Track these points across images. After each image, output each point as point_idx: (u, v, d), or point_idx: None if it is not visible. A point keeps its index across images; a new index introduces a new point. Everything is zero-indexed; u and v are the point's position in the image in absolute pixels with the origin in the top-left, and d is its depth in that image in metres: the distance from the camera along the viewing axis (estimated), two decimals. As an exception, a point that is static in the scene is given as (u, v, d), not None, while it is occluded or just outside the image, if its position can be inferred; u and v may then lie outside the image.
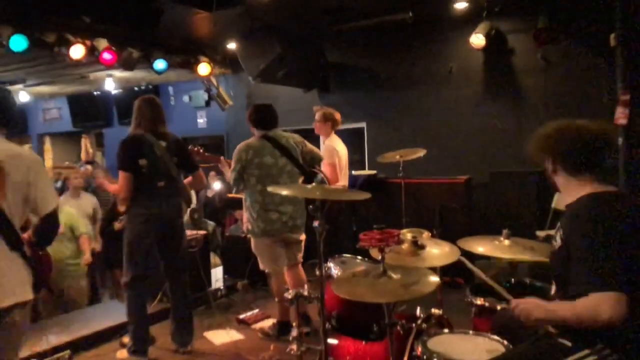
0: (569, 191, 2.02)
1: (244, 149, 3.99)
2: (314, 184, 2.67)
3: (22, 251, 2.34)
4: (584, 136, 1.97)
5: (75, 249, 5.12)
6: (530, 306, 1.94)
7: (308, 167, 4.20)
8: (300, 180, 4.13)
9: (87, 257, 5.15)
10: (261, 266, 4.16)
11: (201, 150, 4.28)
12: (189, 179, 4.02)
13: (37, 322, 4.49)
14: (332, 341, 2.62)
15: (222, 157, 4.28)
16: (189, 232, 5.17)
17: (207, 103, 8.63)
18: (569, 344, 1.86)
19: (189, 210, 5.34)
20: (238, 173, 3.97)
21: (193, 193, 6.15)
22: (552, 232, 4.01)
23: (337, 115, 4.94)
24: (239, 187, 4.05)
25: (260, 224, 3.96)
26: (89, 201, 5.71)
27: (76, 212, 5.24)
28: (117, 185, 3.75)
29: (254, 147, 3.99)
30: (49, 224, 2.48)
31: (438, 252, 2.73)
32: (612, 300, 1.70)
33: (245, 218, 4.06)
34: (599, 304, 1.72)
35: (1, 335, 2.29)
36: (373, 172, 6.15)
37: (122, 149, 3.69)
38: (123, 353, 3.83)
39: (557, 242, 1.99)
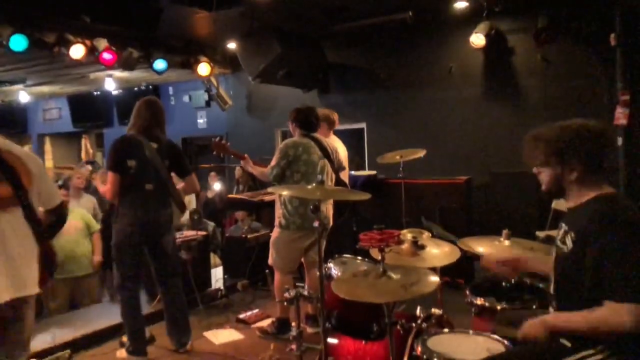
0: (579, 193, 1.95)
1: (292, 145, 4.01)
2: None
3: (44, 244, 2.53)
4: (600, 134, 1.93)
5: (90, 245, 5.14)
6: (534, 329, 1.94)
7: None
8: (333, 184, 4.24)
9: (98, 258, 5.17)
10: (270, 260, 4.15)
11: (227, 145, 4.33)
12: (182, 184, 3.99)
13: (40, 319, 4.50)
14: (332, 341, 2.62)
15: (246, 155, 4.29)
16: (188, 233, 5.19)
17: (207, 103, 8.64)
18: (568, 344, 1.86)
19: (188, 211, 5.34)
20: (281, 168, 3.98)
21: (193, 194, 6.15)
22: (552, 232, 4.01)
23: (334, 116, 4.92)
24: (279, 183, 4.02)
25: (297, 220, 3.96)
26: (89, 201, 5.71)
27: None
28: (105, 186, 3.74)
29: (303, 145, 4.03)
30: (58, 217, 2.68)
31: (438, 252, 2.73)
32: (633, 311, 1.69)
33: (279, 213, 4.08)
34: (619, 314, 1.71)
35: (18, 326, 2.45)
36: (373, 172, 6.15)
37: (112, 149, 3.67)
38: (123, 352, 3.83)
39: (568, 245, 1.92)
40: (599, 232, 1.80)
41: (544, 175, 2.01)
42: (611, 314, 1.73)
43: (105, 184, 3.82)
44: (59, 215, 2.68)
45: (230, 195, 6.44)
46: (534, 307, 2.59)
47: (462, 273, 4.93)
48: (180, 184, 3.98)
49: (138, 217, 3.65)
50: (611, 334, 1.75)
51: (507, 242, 2.76)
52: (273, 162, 4.02)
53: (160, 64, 6.04)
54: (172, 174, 3.91)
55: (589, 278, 1.81)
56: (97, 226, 5.20)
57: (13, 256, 2.38)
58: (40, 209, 2.61)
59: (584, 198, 1.93)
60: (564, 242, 1.96)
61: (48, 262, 2.56)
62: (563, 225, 2.01)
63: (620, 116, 4.87)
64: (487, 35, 5.69)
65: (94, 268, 5.18)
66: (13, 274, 2.37)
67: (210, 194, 7.41)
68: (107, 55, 5.39)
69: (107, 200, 5.36)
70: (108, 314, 4.57)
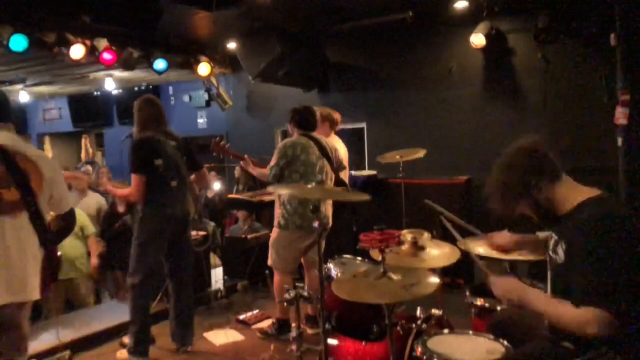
0: (562, 202, 1.94)
1: (290, 145, 4.03)
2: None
3: (49, 249, 2.50)
4: (530, 145, 1.97)
5: (84, 248, 5.14)
6: (509, 286, 1.96)
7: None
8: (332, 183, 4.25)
9: (94, 261, 5.15)
10: (270, 261, 4.16)
11: (227, 146, 4.36)
12: (193, 177, 4.05)
13: (40, 320, 4.51)
14: (332, 341, 2.62)
15: (246, 156, 4.29)
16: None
17: (207, 103, 8.62)
18: (572, 347, 1.84)
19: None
20: (280, 168, 4.00)
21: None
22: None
23: (336, 115, 4.93)
24: (278, 183, 4.04)
25: (296, 220, 3.98)
26: (93, 200, 5.70)
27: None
28: (127, 189, 3.76)
29: (301, 144, 4.04)
30: (68, 222, 2.66)
31: (438, 253, 2.73)
32: (601, 318, 1.68)
33: (278, 213, 4.08)
34: (588, 320, 1.70)
35: (14, 330, 2.43)
36: (373, 172, 6.15)
37: (137, 151, 3.69)
38: (123, 353, 3.84)
39: (560, 255, 1.92)
40: (580, 240, 1.79)
41: (526, 211, 2.00)
42: (579, 317, 1.73)
43: (114, 185, 3.86)
44: (67, 221, 2.67)
45: (230, 195, 6.44)
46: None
47: (462, 274, 4.93)
48: (191, 177, 4.05)
49: (167, 215, 3.71)
50: (576, 334, 1.76)
51: (507, 243, 2.75)
52: (272, 163, 4.03)
53: (160, 64, 6.04)
54: None
55: (580, 289, 1.80)
56: (92, 229, 5.20)
57: (13, 261, 2.36)
58: (51, 213, 2.59)
59: (570, 204, 1.91)
60: (555, 252, 1.95)
61: (52, 267, 2.54)
62: (553, 234, 1.99)
63: (620, 116, 4.85)
64: (487, 35, 5.68)
65: (90, 270, 5.17)
66: (11, 279, 2.35)
67: (210, 194, 7.40)
68: (107, 55, 5.39)
69: (109, 198, 5.38)
70: (108, 315, 4.58)
